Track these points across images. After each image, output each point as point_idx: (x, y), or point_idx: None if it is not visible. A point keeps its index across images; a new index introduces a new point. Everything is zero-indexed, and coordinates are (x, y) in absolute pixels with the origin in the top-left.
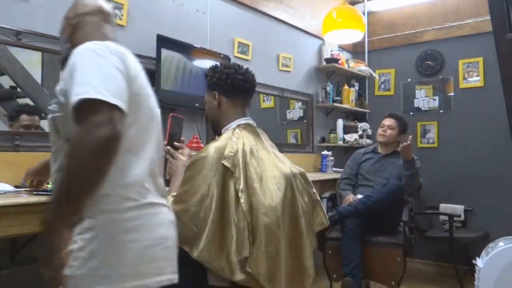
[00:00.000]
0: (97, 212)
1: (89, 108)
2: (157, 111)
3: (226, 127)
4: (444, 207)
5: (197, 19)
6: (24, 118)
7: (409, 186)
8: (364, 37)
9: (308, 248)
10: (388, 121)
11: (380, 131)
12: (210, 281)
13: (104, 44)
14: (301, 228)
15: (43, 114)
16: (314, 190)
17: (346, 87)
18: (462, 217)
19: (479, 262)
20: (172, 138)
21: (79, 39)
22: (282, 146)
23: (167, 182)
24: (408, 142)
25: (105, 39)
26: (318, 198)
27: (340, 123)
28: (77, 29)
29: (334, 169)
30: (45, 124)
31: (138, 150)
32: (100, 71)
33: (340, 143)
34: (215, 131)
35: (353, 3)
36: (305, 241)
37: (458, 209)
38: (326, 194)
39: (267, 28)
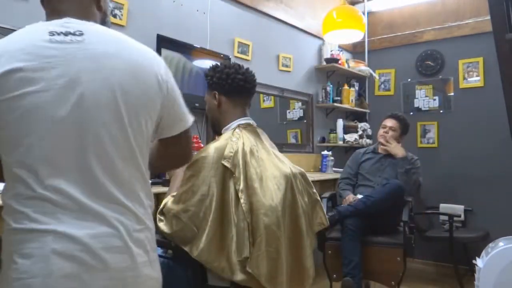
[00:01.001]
0: None
1: None
2: (55, 107)
3: (226, 127)
4: (444, 207)
5: (197, 19)
6: None
7: (405, 183)
8: (364, 37)
9: (308, 248)
10: (390, 122)
11: (381, 132)
12: (210, 281)
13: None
14: (301, 228)
15: None
16: (314, 190)
17: (346, 87)
18: (462, 217)
19: (479, 262)
20: None
21: None
22: (282, 146)
23: (167, 182)
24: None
25: (50, 16)
26: (318, 198)
27: (340, 123)
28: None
29: (334, 169)
30: None
31: (4, 166)
32: None
33: (340, 143)
34: (215, 131)
35: (353, 3)
36: (305, 241)
37: (458, 209)
38: (326, 194)
39: (267, 28)
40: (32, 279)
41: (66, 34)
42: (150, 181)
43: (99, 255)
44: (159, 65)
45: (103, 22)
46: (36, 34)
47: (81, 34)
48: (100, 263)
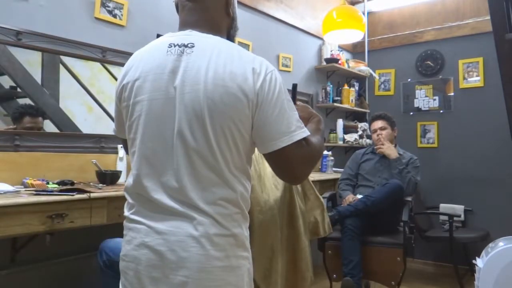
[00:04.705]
0: None
1: None
2: (150, 115)
3: None
4: (444, 207)
5: None
6: (28, 120)
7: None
8: (364, 37)
9: (305, 251)
10: (377, 124)
11: (375, 136)
12: None
13: (134, 55)
14: (298, 229)
15: (45, 115)
16: (317, 194)
17: (346, 87)
18: (462, 217)
19: (479, 262)
20: None
21: None
22: None
23: None
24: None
25: (180, 26)
26: (322, 202)
27: (340, 123)
28: None
29: (334, 169)
30: (46, 125)
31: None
32: None
33: (340, 143)
34: None
35: (353, 3)
36: (302, 243)
37: (458, 209)
38: (326, 194)
39: (267, 28)
40: (129, 262)
41: (181, 46)
42: None
43: (178, 252)
44: (246, 79)
45: (231, 27)
46: (160, 46)
47: (192, 46)
48: (179, 260)
